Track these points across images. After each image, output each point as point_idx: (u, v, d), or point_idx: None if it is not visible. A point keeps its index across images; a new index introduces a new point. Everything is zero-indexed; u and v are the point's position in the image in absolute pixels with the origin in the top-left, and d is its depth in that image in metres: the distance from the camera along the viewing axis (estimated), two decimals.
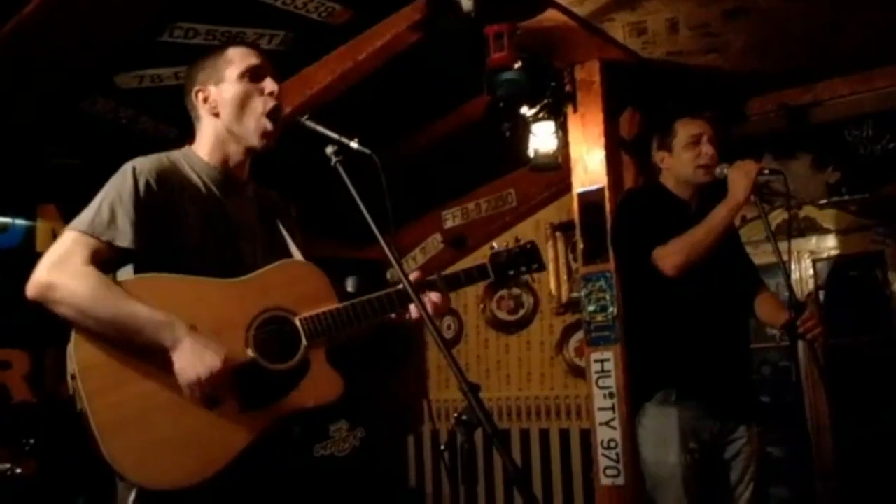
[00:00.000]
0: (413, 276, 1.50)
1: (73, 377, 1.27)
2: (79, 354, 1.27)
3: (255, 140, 1.46)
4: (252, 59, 1.48)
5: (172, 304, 1.31)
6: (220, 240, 1.42)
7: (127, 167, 1.39)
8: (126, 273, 1.37)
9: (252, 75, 1.47)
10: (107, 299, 1.28)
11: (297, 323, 1.40)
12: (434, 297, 1.51)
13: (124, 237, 1.33)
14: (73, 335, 1.28)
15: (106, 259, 1.33)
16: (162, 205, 1.37)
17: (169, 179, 1.40)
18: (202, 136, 1.50)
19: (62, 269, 1.29)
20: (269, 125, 1.46)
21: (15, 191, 3.13)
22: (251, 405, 1.34)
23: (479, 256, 4.16)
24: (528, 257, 1.62)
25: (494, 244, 1.65)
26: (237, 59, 1.47)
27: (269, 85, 1.47)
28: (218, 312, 1.35)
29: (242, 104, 1.45)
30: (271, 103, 1.46)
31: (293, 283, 1.44)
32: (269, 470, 1.40)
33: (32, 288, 1.30)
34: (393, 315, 1.49)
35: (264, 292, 1.40)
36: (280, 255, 1.48)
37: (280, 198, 1.60)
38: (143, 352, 1.28)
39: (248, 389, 1.33)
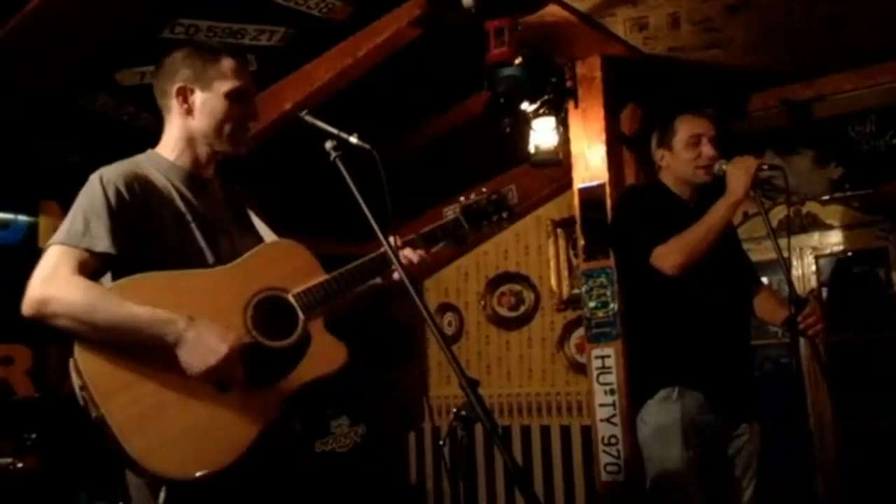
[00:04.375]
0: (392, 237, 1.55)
1: (83, 388, 1.27)
2: (85, 364, 1.28)
3: (228, 148, 1.49)
4: (242, 80, 1.49)
5: (166, 300, 1.32)
6: (197, 238, 1.43)
7: (94, 178, 1.40)
8: (105, 282, 1.37)
9: (239, 95, 1.48)
10: (102, 304, 1.29)
11: (291, 299, 1.43)
12: (412, 254, 1.56)
13: (101, 242, 1.33)
14: (76, 347, 1.29)
15: (90, 269, 1.33)
16: (134, 210, 1.38)
17: (137, 184, 1.41)
18: (170, 134, 1.50)
19: (52, 283, 1.30)
20: (242, 138, 1.50)
21: (17, 187, 3.14)
22: (261, 385, 1.36)
23: (480, 252, 4.18)
24: (497, 206, 1.72)
25: (462, 198, 1.71)
26: (229, 74, 1.47)
27: (252, 109, 1.51)
28: (212, 302, 1.37)
29: (223, 121, 1.47)
30: (248, 123, 1.50)
31: (279, 262, 1.47)
32: (281, 456, 1.41)
33: (28, 307, 1.31)
34: (379, 280, 1.55)
35: (253, 275, 1.42)
36: (256, 244, 1.50)
37: (243, 190, 1.62)
38: (145, 351, 1.29)
39: (255, 370, 1.35)
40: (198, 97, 1.46)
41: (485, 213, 1.70)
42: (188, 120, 1.48)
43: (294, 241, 1.52)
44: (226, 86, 1.46)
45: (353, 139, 1.40)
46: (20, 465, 2.56)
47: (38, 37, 2.41)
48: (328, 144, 1.41)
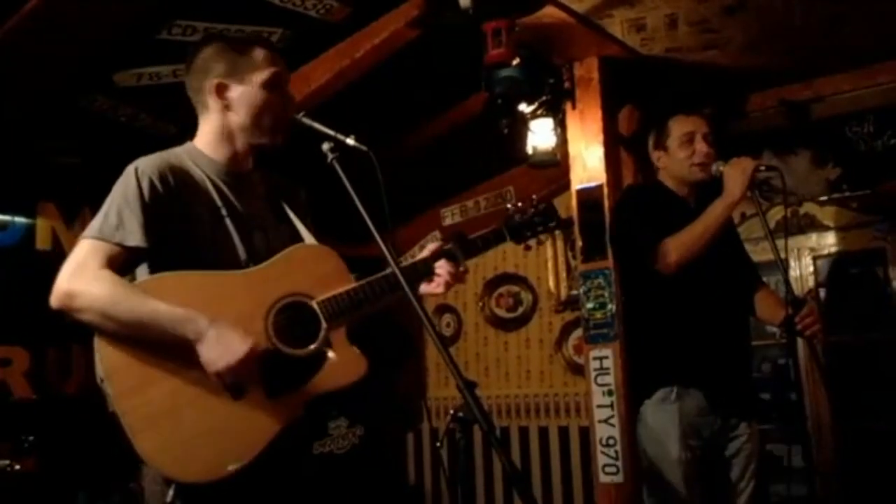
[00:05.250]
0: (432, 246, 1.56)
1: (102, 381, 1.29)
2: (103, 359, 1.29)
3: (266, 140, 1.49)
4: (275, 66, 1.48)
5: (190, 300, 1.32)
6: (231, 233, 1.42)
7: (130, 169, 1.39)
8: (142, 273, 1.39)
9: (275, 83, 1.48)
10: (126, 300, 1.30)
11: (315, 306, 1.41)
12: (451, 267, 1.54)
13: (133, 237, 1.34)
14: (97, 340, 1.30)
15: (121, 262, 1.34)
16: (168, 203, 1.38)
17: (173, 177, 1.40)
18: (208, 129, 1.49)
19: (80, 277, 1.31)
20: (281, 127, 1.49)
21: (14, 189, 3.14)
22: (277, 392, 1.35)
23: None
24: (545, 217, 1.65)
25: (509, 206, 1.64)
26: (262, 64, 1.47)
27: (289, 97, 1.51)
28: (236, 305, 1.36)
29: (263, 111, 1.46)
30: (287, 111, 1.49)
31: (307, 266, 1.45)
32: (297, 458, 1.41)
33: (55, 299, 1.32)
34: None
35: (280, 279, 1.41)
36: (292, 241, 1.49)
37: (287, 182, 1.60)
38: (166, 350, 1.30)
39: (273, 377, 1.34)
40: (234, 91, 1.46)
41: (530, 225, 1.65)
42: (227, 115, 1.47)
43: (325, 246, 1.50)
44: (261, 76, 1.46)
45: (350, 141, 1.39)
46: (18, 466, 2.56)
47: (37, 37, 2.41)
48: (325, 146, 1.40)
